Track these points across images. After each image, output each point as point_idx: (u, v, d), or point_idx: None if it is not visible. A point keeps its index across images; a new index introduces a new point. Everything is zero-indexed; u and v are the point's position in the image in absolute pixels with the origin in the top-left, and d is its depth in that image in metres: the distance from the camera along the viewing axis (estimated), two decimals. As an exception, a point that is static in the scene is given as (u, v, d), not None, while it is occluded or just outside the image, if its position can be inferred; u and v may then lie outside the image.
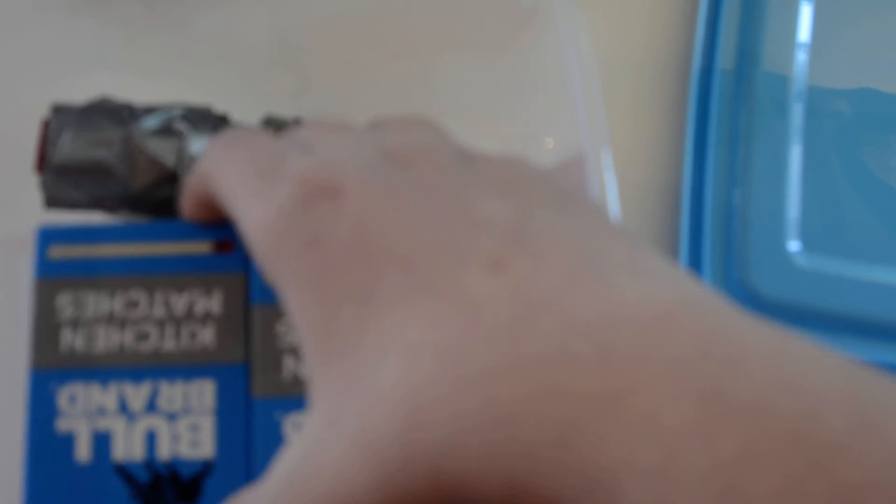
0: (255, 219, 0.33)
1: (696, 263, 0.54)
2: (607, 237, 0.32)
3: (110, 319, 0.43)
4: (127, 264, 0.44)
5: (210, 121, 0.48)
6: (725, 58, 0.57)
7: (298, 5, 0.53)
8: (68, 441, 0.42)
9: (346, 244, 0.31)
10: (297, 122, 0.52)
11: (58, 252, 0.44)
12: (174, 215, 0.48)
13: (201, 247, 0.44)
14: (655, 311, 0.28)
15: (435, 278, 0.30)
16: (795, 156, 0.55)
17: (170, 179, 0.46)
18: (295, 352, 0.44)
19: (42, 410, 0.42)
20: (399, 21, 0.53)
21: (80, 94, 0.49)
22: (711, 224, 0.54)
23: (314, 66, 0.55)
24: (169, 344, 0.43)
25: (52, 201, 0.47)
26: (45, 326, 0.43)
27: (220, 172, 0.37)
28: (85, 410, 0.42)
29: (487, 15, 0.52)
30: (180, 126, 0.47)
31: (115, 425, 0.42)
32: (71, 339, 0.43)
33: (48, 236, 0.44)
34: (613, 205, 0.45)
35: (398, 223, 0.31)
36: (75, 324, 0.43)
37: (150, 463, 0.42)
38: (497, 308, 0.29)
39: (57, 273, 0.43)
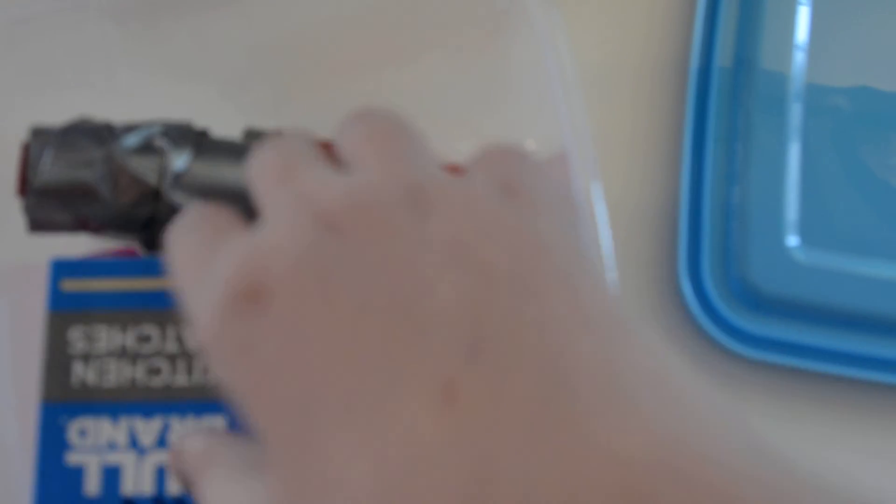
0: (193, 317, 0.31)
1: (695, 260, 0.54)
2: (581, 334, 0.27)
3: (122, 353, 0.42)
4: (139, 298, 0.43)
5: (190, 136, 0.48)
6: (723, 56, 0.57)
7: (273, 15, 0.52)
8: (77, 474, 0.42)
9: (276, 359, 0.28)
10: (278, 132, 0.52)
11: (71, 285, 0.43)
12: (159, 234, 0.46)
13: None
14: (631, 481, 0.23)
15: (376, 410, 0.26)
16: (793, 153, 0.56)
17: (152, 197, 0.46)
18: (84, 358, 0.43)
19: (52, 443, 0.42)
20: (376, 26, 0.52)
21: (58, 116, 0.47)
22: (710, 221, 0.54)
23: (292, 75, 0.54)
24: (180, 379, 0.42)
25: (36, 224, 0.46)
26: (57, 359, 0.42)
27: (172, 260, 0.33)
28: (95, 444, 0.42)
29: (463, 17, 0.51)
30: (161, 143, 0.47)
31: (125, 460, 0.42)
32: (82, 373, 0.42)
33: (61, 269, 0.44)
34: (600, 206, 0.45)
35: (332, 336, 0.27)
36: (87, 357, 0.42)
37: (159, 498, 0.42)
38: (446, 461, 0.24)
39: (69, 306, 0.43)
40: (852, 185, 0.55)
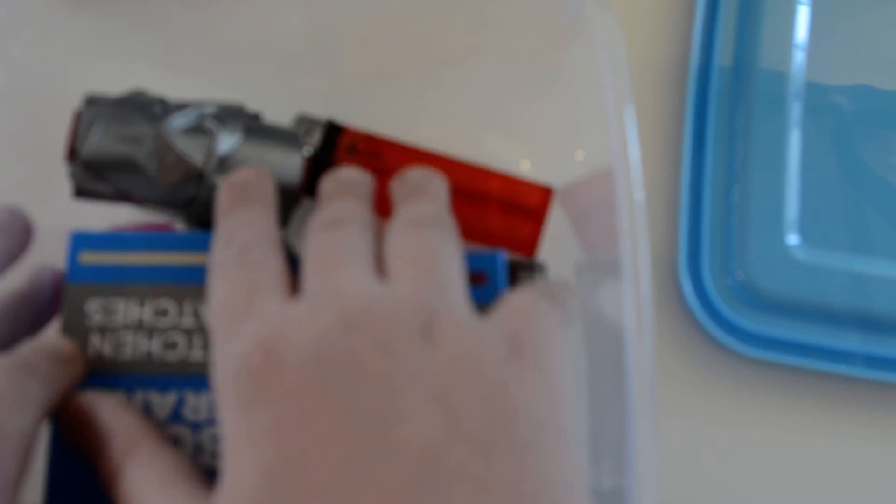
0: (215, 362, 0.33)
1: (695, 259, 0.52)
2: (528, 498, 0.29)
3: (139, 327, 0.41)
4: (157, 273, 0.41)
5: (241, 119, 0.46)
6: (723, 55, 0.55)
7: (335, 5, 0.51)
8: None
9: (268, 434, 0.30)
10: (329, 121, 0.51)
11: (89, 257, 0.42)
12: (201, 212, 0.45)
13: None
14: None
15: None
16: (793, 152, 0.53)
17: (197, 177, 0.44)
18: (101, 331, 0.41)
19: None
20: (436, 25, 0.51)
21: (113, 87, 0.46)
22: (710, 220, 0.52)
23: (348, 66, 0.53)
24: (196, 354, 0.40)
25: (81, 192, 0.45)
26: (74, 330, 0.41)
27: (210, 298, 0.36)
28: None
29: (525, 25, 0.50)
30: (211, 124, 0.45)
31: None
32: (99, 345, 0.40)
33: (80, 242, 0.42)
34: (640, 218, 0.44)
35: (311, 425, 0.30)
36: (104, 330, 0.40)
37: None
38: None
39: (87, 278, 0.41)
40: (852, 184, 0.53)
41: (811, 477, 0.51)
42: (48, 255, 0.45)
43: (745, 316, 0.52)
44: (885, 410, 0.52)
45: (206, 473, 0.38)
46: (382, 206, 0.49)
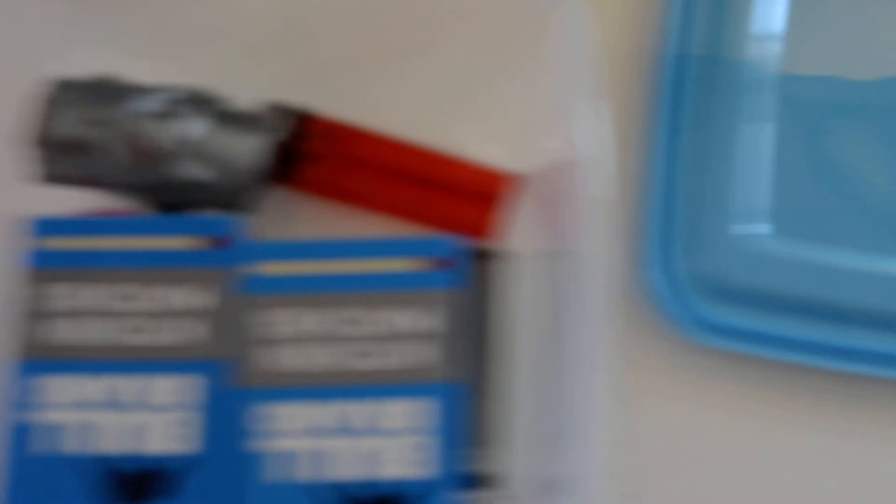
0: None
1: (666, 250, 0.51)
2: None
3: (106, 312, 0.40)
4: (123, 257, 0.41)
5: (213, 104, 0.46)
6: (697, 44, 0.54)
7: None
8: (56, 432, 0.39)
9: None
10: (301, 109, 0.51)
11: (54, 243, 0.41)
12: (170, 197, 0.45)
13: (198, 242, 0.42)
14: None
15: None
16: (766, 142, 0.53)
17: (167, 162, 0.44)
18: (290, 342, 0.41)
19: (31, 400, 0.40)
20: (408, 12, 0.51)
21: (85, 71, 0.46)
22: (681, 210, 0.52)
23: (320, 52, 0.52)
24: (163, 338, 0.40)
25: (49, 177, 0.44)
26: (40, 317, 0.40)
27: None
28: (75, 401, 0.39)
29: (496, 11, 0.50)
30: (181, 109, 0.45)
31: (105, 418, 0.39)
32: (64, 331, 0.40)
33: (45, 227, 0.42)
34: (608, 211, 0.44)
35: None
36: (69, 315, 0.40)
37: (138, 456, 0.39)
38: None
39: (53, 263, 0.41)
40: (824, 175, 0.52)
41: (780, 469, 0.51)
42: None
43: (714, 307, 0.52)
44: (855, 403, 0.52)
45: (173, 458, 0.38)
46: (352, 196, 0.49)
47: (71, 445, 0.39)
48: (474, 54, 0.51)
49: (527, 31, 0.49)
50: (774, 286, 0.51)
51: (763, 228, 0.52)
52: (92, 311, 0.40)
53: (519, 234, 0.49)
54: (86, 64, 0.46)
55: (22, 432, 0.39)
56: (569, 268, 0.44)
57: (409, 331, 0.41)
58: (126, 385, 0.39)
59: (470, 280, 0.42)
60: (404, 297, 0.41)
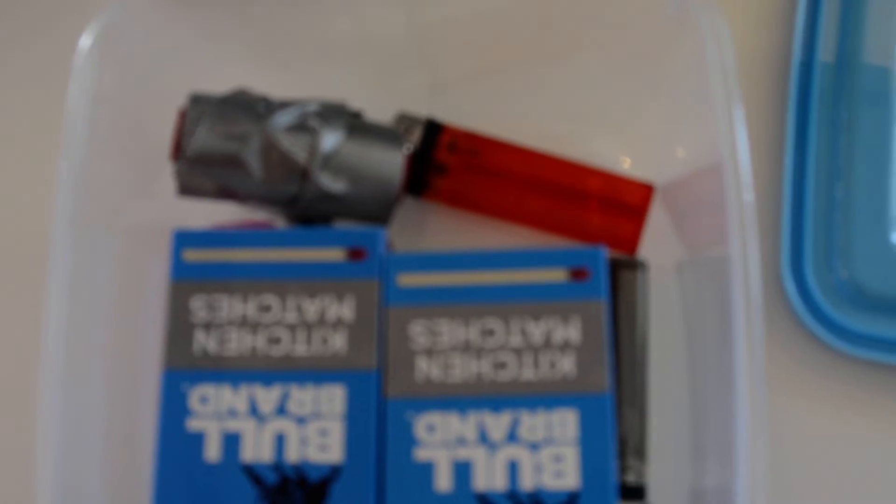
0: None
1: (797, 258, 0.50)
2: None
3: (243, 323, 0.41)
4: (260, 269, 0.42)
5: (344, 117, 0.46)
6: (826, 51, 0.54)
7: (435, 4, 0.51)
8: (198, 440, 0.40)
9: None
10: (429, 119, 0.50)
11: (193, 255, 0.42)
12: (303, 209, 0.45)
13: (334, 254, 0.42)
14: None
15: None
16: None
17: (300, 175, 0.44)
18: (427, 353, 0.42)
19: (174, 410, 0.41)
20: (537, 23, 0.51)
21: (218, 86, 0.46)
22: (813, 218, 0.51)
23: (449, 65, 0.53)
24: (300, 348, 0.41)
25: (185, 189, 0.45)
26: (180, 328, 0.41)
27: None
28: (216, 411, 0.40)
29: (628, 22, 0.49)
30: (314, 122, 0.45)
31: (245, 427, 0.40)
32: (204, 341, 0.41)
33: (184, 239, 0.42)
34: (750, 217, 0.43)
35: None
36: (208, 326, 0.41)
37: (278, 465, 0.40)
38: None
39: (191, 275, 0.42)
40: None
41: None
42: (152, 252, 0.46)
43: (848, 315, 0.50)
44: None
45: (314, 466, 0.38)
46: (483, 206, 0.49)
47: (213, 454, 0.40)
48: (604, 64, 0.50)
49: (657, 39, 0.49)
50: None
51: (896, 236, 0.51)
52: (229, 323, 0.40)
53: (655, 244, 0.48)
54: (219, 77, 0.47)
55: (167, 441, 0.40)
56: (714, 276, 0.44)
57: (548, 341, 0.41)
58: (265, 395, 0.40)
59: (608, 290, 0.42)
60: (543, 307, 0.41)
